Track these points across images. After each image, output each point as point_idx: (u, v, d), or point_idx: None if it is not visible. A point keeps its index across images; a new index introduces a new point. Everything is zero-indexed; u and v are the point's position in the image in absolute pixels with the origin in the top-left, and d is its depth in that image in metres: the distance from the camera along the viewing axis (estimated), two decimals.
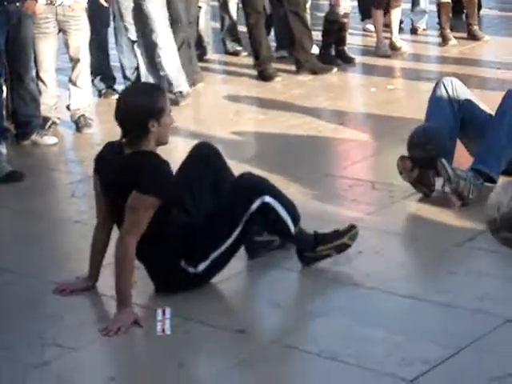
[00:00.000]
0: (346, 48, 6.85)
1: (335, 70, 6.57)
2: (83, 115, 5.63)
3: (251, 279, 3.60)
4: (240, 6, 6.95)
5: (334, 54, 6.81)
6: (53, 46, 5.55)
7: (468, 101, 4.26)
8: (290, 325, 3.19)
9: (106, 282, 3.41)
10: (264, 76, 6.54)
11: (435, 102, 4.28)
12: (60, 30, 5.54)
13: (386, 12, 7.04)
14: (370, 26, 7.61)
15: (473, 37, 7.04)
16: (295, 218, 3.46)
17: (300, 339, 3.04)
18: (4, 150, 4.93)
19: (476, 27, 7.07)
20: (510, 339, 2.94)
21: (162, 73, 6.02)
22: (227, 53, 7.36)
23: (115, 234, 3.37)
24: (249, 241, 3.56)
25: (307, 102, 5.91)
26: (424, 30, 7.49)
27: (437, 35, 7.13)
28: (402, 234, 3.83)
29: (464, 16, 7.33)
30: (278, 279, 3.54)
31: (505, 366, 2.77)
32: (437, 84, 4.32)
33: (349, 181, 4.47)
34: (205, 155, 3.58)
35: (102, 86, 6.37)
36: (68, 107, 5.72)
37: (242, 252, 3.58)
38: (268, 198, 3.37)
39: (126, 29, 6.09)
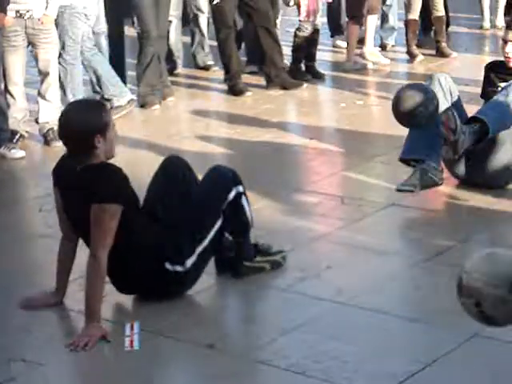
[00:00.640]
0: (315, 64, 6.89)
1: (305, 85, 6.61)
2: (52, 129, 5.59)
3: (221, 293, 3.59)
4: (210, 20, 6.97)
5: (304, 70, 6.85)
6: (21, 59, 5.52)
7: (459, 98, 4.31)
8: (259, 339, 3.18)
9: (74, 297, 3.39)
10: (234, 91, 6.55)
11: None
12: (29, 43, 5.51)
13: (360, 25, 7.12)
14: (340, 42, 7.67)
15: (441, 54, 7.12)
16: (252, 222, 3.52)
17: (269, 354, 3.03)
18: None
19: (444, 44, 7.16)
20: (478, 353, 2.96)
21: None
22: (197, 67, 7.37)
23: (82, 247, 3.35)
24: (219, 254, 3.57)
25: (277, 116, 5.93)
26: (393, 46, 7.57)
27: (405, 52, 7.19)
28: (371, 248, 3.84)
29: (432, 33, 7.41)
30: (248, 293, 3.53)
31: (473, 381, 2.79)
32: (430, 79, 4.30)
33: (318, 195, 4.49)
34: (175, 168, 3.59)
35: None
36: (36, 120, 5.68)
37: (211, 266, 3.57)
38: (241, 188, 3.48)
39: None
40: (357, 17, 6.85)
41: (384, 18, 7.53)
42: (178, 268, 3.36)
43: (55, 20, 5.57)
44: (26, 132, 5.65)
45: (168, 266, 3.35)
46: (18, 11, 5.38)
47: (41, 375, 2.98)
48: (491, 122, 4.12)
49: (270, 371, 2.93)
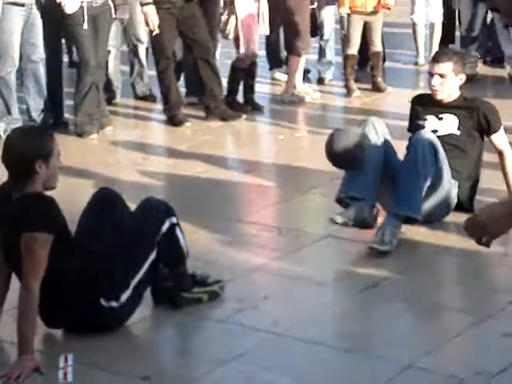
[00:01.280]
0: (254, 96, 6.95)
1: (244, 117, 6.65)
2: None
3: (158, 325, 3.56)
4: (150, 51, 6.98)
5: (242, 102, 6.90)
6: None
7: (391, 145, 4.36)
8: (196, 371, 3.16)
9: (7, 328, 3.32)
10: (173, 121, 6.55)
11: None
12: None
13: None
14: (279, 75, 7.75)
15: (377, 88, 7.24)
16: (187, 252, 3.52)
17: None
18: None
19: (380, 79, 7.29)
20: None
21: None
22: (136, 97, 7.36)
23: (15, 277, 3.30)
24: (155, 285, 3.55)
25: (216, 148, 5.95)
26: (330, 80, 7.67)
27: (342, 86, 7.31)
28: (309, 279, 3.87)
29: (369, 68, 7.55)
30: (184, 325, 3.51)
31: None
32: (364, 122, 4.34)
33: (256, 227, 4.50)
34: (107, 201, 3.57)
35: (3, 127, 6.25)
36: None
37: (147, 298, 3.55)
38: (175, 220, 3.47)
39: None
40: (297, 48, 6.93)
41: (321, 53, 7.64)
42: (113, 303, 3.32)
43: None
44: None
45: (103, 302, 3.32)
46: None
47: None
48: (418, 211, 4.13)
49: None
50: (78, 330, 3.37)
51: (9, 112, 6.23)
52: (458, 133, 4.44)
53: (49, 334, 3.41)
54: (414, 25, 7.94)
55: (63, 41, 6.80)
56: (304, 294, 3.75)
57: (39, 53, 6.27)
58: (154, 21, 6.31)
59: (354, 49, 7.16)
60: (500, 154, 4.46)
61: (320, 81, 7.62)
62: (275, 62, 7.86)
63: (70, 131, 6.46)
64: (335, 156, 4.18)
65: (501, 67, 7.67)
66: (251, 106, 6.85)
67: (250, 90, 6.91)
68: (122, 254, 3.38)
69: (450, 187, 4.33)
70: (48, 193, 3.32)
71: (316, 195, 4.92)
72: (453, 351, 3.20)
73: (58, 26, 6.34)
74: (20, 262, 3.18)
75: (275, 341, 3.30)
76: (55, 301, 3.29)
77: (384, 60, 7.61)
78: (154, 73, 6.82)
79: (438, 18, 7.84)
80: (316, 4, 7.21)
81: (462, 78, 4.46)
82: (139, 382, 3.03)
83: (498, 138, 4.45)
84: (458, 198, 4.40)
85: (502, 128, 4.47)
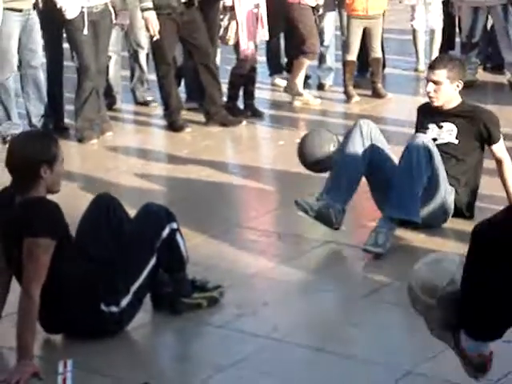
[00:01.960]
0: (254, 102, 6.95)
1: (244, 122, 6.66)
2: None
3: (157, 330, 3.56)
4: (150, 56, 6.99)
5: (242, 107, 6.90)
6: None
7: (379, 146, 4.38)
8: (195, 377, 3.16)
9: (6, 333, 3.32)
10: (174, 127, 6.56)
11: (348, 141, 4.37)
12: None
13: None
14: (279, 81, 7.76)
15: (377, 95, 7.25)
16: (187, 258, 3.52)
17: None
18: None
19: (380, 85, 7.29)
20: None
21: None
22: (137, 103, 7.36)
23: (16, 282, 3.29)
24: (155, 291, 3.55)
25: (216, 153, 5.96)
26: (330, 86, 7.68)
27: (342, 92, 7.31)
28: (308, 285, 3.87)
29: (369, 74, 7.56)
30: (184, 330, 3.51)
31: None
32: (355, 124, 4.42)
33: (256, 232, 4.50)
34: (106, 206, 3.57)
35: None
36: None
37: (146, 304, 3.54)
38: (175, 225, 3.47)
39: None
40: (311, 53, 6.94)
41: (322, 59, 7.65)
42: (113, 309, 3.32)
43: None
44: None
45: (103, 307, 3.32)
46: None
47: None
48: (415, 213, 4.16)
49: None
50: (77, 335, 3.37)
51: (8, 117, 6.24)
52: (456, 142, 4.44)
53: (48, 339, 3.41)
54: (414, 31, 7.95)
55: (66, 45, 6.80)
56: (303, 299, 3.75)
57: (38, 58, 6.27)
58: (155, 26, 6.32)
59: (353, 55, 7.17)
60: (498, 162, 4.46)
61: (320, 87, 7.63)
62: (275, 67, 7.87)
63: (70, 136, 6.46)
64: (301, 157, 4.44)
65: (501, 74, 7.68)
66: (251, 112, 6.86)
67: (250, 96, 6.92)
68: (122, 259, 3.39)
69: (446, 194, 4.33)
70: (48, 197, 3.32)
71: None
72: (453, 357, 3.18)
73: (58, 30, 6.35)
74: (21, 267, 3.18)
75: (275, 347, 3.30)
76: (55, 306, 3.29)
77: (384, 66, 7.62)
78: (154, 78, 6.84)
79: (438, 25, 7.85)
80: (320, 11, 7.20)
81: (459, 84, 4.44)
82: None
83: (499, 147, 4.45)
84: (456, 205, 4.40)
85: (501, 136, 4.47)
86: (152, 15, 6.32)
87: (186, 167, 5.65)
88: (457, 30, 8.08)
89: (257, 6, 6.70)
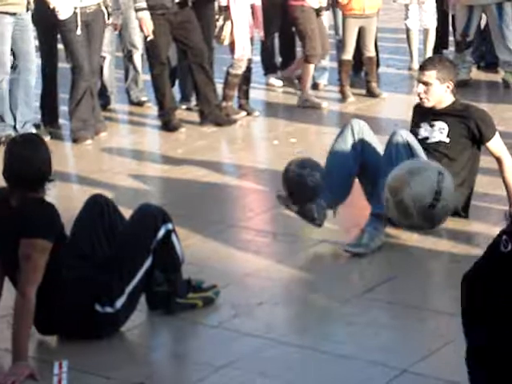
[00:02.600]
0: (248, 101, 6.95)
1: (239, 122, 6.66)
2: None
3: (152, 330, 3.56)
4: (145, 57, 6.99)
5: (237, 107, 6.90)
6: None
7: (371, 145, 4.39)
8: (190, 377, 3.16)
9: (1, 335, 3.32)
10: (168, 127, 6.56)
11: (340, 141, 4.40)
12: None
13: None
14: (273, 81, 7.76)
15: (371, 94, 7.26)
16: (183, 258, 3.52)
17: None
18: None
19: (374, 84, 7.30)
20: None
21: None
22: (131, 103, 7.36)
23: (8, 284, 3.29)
24: (150, 291, 3.54)
25: (210, 153, 5.96)
26: (325, 85, 7.68)
27: (337, 91, 7.32)
28: (303, 284, 3.87)
29: (363, 73, 7.56)
30: (180, 330, 3.51)
31: None
32: (345, 125, 4.45)
33: (251, 232, 4.51)
34: (100, 207, 3.57)
35: None
36: None
37: (142, 304, 3.54)
38: (171, 226, 3.47)
39: None
40: (312, 56, 6.95)
41: None
42: (108, 309, 3.32)
43: None
44: None
45: (98, 307, 3.31)
46: None
47: None
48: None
49: None
50: (72, 336, 3.36)
51: (2, 119, 6.21)
52: (448, 140, 4.44)
53: (43, 340, 3.40)
54: (407, 30, 7.96)
55: (60, 46, 6.79)
56: (299, 299, 3.75)
57: (34, 61, 6.25)
58: (149, 26, 6.32)
59: (349, 54, 7.17)
60: (497, 160, 4.45)
61: (315, 86, 7.63)
62: (270, 67, 7.87)
63: (64, 137, 6.46)
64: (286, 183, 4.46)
65: (495, 72, 7.69)
66: (246, 112, 6.86)
67: (244, 96, 6.92)
68: (117, 260, 3.38)
69: None
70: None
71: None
72: (448, 356, 3.20)
73: (52, 31, 6.34)
74: (16, 268, 3.18)
75: (270, 346, 3.30)
76: (50, 306, 3.28)
77: (378, 65, 7.63)
78: (149, 78, 6.83)
79: (431, 24, 7.86)
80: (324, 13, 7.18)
81: (450, 85, 4.45)
82: None
83: (494, 145, 4.44)
84: None
85: (497, 134, 4.45)
86: (146, 15, 6.32)
87: (180, 167, 5.65)
88: (451, 28, 8.09)
89: (252, 6, 6.70)
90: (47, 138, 6.38)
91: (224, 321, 3.51)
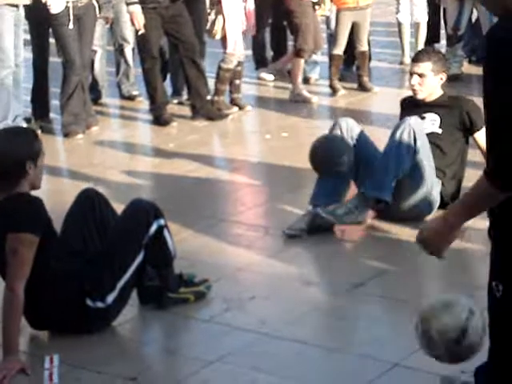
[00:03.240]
0: (240, 95, 6.95)
1: (230, 116, 6.65)
2: None
3: (144, 325, 3.56)
4: (136, 51, 6.97)
5: (228, 101, 6.90)
6: None
7: (361, 138, 4.41)
8: (182, 371, 3.17)
9: None
10: (160, 121, 6.55)
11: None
12: None
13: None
14: (265, 75, 7.76)
15: (363, 88, 7.26)
16: (175, 253, 3.51)
17: None
18: None
19: (366, 78, 7.30)
20: (399, 383, 3.00)
21: None
22: (122, 97, 7.35)
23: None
24: (142, 286, 3.54)
25: (202, 147, 5.95)
26: (316, 80, 7.68)
27: (328, 85, 7.31)
28: (295, 278, 3.87)
29: (355, 67, 7.56)
30: (172, 325, 3.51)
31: None
32: (334, 124, 4.47)
33: (243, 226, 4.51)
34: (91, 201, 3.56)
35: None
36: None
37: (133, 299, 3.54)
38: (163, 221, 3.46)
39: None
40: (303, 50, 6.94)
41: None
42: (99, 304, 3.32)
43: None
44: None
45: (89, 302, 3.31)
46: None
47: None
48: (384, 190, 4.18)
49: None
50: (64, 331, 3.36)
51: (5, 117, 6.15)
52: (440, 131, 4.47)
53: (34, 334, 3.40)
54: (399, 24, 7.96)
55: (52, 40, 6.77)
56: (291, 293, 3.75)
57: (20, 56, 6.22)
58: (140, 20, 6.31)
59: (340, 49, 7.17)
60: (484, 151, 4.46)
61: (306, 80, 7.63)
62: (261, 61, 7.87)
63: (55, 131, 6.44)
64: (319, 157, 4.33)
65: None
66: (237, 106, 6.86)
67: (236, 90, 6.92)
68: (108, 255, 3.38)
69: (432, 185, 4.35)
70: (34, 193, 3.31)
71: (303, 195, 4.92)
72: None
73: (44, 25, 6.32)
74: (5, 263, 3.17)
75: (262, 340, 3.30)
76: (41, 301, 3.28)
77: (370, 59, 7.63)
78: (140, 72, 6.82)
79: (423, 18, 7.86)
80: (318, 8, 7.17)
81: (443, 77, 4.48)
82: (126, 383, 3.03)
83: (483, 136, 4.45)
84: (442, 197, 4.42)
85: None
86: (137, 9, 6.30)
87: (172, 161, 5.64)
88: (442, 22, 8.09)
89: (244, 0, 6.69)
90: (37, 132, 6.38)
91: (216, 315, 3.51)
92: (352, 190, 4.46)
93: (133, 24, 6.44)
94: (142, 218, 3.42)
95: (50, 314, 3.33)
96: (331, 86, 7.21)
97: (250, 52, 7.79)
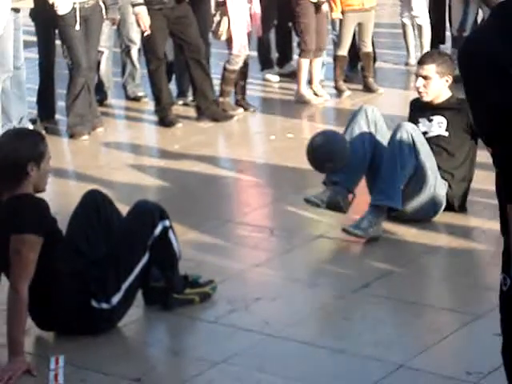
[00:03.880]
0: (245, 97, 6.95)
1: (235, 117, 6.65)
2: None
3: (149, 326, 3.56)
4: (142, 52, 6.98)
5: (234, 102, 6.90)
6: None
7: (382, 131, 4.44)
8: (187, 372, 3.17)
9: None
10: (165, 122, 6.55)
11: (355, 123, 4.43)
12: None
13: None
14: (270, 76, 7.76)
15: (368, 89, 7.25)
16: (180, 254, 3.51)
17: None
18: None
19: (371, 79, 7.30)
20: None
21: None
22: (128, 98, 7.35)
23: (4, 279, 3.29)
24: (147, 287, 3.55)
25: (207, 148, 5.95)
26: (322, 80, 7.68)
27: (333, 86, 7.30)
28: (300, 280, 3.87)
29: (360, 68, 7.55)
30: (176, 326, 3.51)
31: None
32: (359, 108, 4.49)
33: (248, 227, 4.51)
34: (96, 203, 3.57)
35: None
36: None
37: (138, 299, 3.54)
38: (168, 223, 3.47)
39: None
40: (309, 51, 6.94)
41: None
42: (104, 305, 3.32)
43: None
44: None
45: (94, 303, 3.31)
46: None
47: None
48: (394, 198, 4.19)
49: None
50: (69, 332, 3.37)
51: (9, 119, 6.17)
52: (447, 134, 4.46)
53: (39, 335, 3.40)
54: (403, 25, 7.95)
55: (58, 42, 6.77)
56: (295, 294, 3.75)
57: (21, 58, 6.23)
58: (146, 21, 6.31)
59: (344, 50, 7.17)
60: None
61: (311, 81, 7.63)
62: (266, 63, 7.86)
63: (61, 132, 6.45)
64: (315, 157, 4.35)
65: None
66: (243, 107, 6.86)
67: (241, 91, 6.92)
68: (113, 257, 3.38)
69: (437, 186, 4.34)
70: (40, 194, 3.31)
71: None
72: (444, 351, 3.21)
73: (51, 27, 6.33)
74: (9, 264, 3.18)
75: (267, 341, 3.30)
76: (46, 302, 3.29)
77: (374, 60, 7.62)
78: (146, 73, 6.82)
79: (424, 20, 7.79)
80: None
81: (448, 79, 4.46)
82: (131, 383, 3.03)
83: None
84: (448, 199, 4.41)
85: None
86: (143, 10, 6.31)
87: (177, 162, 5.65)
88: (447, 24, 8.08)
89: (250, 1, 6.69)
90: (44, 135, 6.38)
91: (221, 316, 3.51)
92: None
93: (138, 25, 6.45)
94: (147, 219, 3.43)
95: (56, 315, 3.34)
96: (336, 88, 7.21)
97: (255, 53, 7.79)
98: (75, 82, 6.25)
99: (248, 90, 7.02)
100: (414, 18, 7.79)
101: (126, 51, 7.25)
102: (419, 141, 4.25)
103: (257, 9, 6.76)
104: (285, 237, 4.34)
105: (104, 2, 6.31)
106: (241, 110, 6.82)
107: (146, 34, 6.38)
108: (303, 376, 3.05)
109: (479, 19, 7.75)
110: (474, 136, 4.47)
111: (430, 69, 4.43)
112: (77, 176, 5.50)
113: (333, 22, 7.60)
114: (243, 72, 6.84)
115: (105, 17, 6.38)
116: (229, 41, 6.69)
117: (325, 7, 6.92)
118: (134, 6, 6.37)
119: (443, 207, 4.40)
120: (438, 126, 4.48)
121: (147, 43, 6.50)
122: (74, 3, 6.09)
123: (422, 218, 4.36)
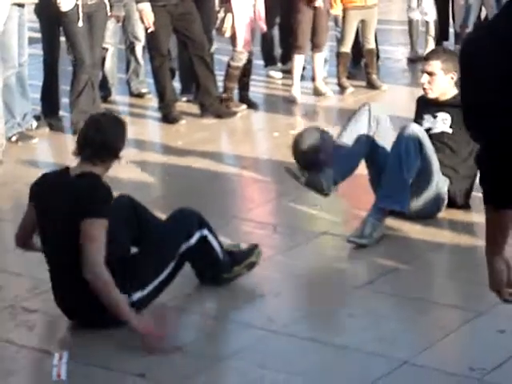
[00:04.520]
0: (249, 93, 6.95)
1: (239, 114, 6.65)
2: None
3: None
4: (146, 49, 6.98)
5: (237, 99, 6.90)
6: None
7: (384, 131, 4.43)
8: (191, 368, 3.17)
9: (3, 326, 3.32)
10: (168, 119, 6.56)
11: (356, 119, 4.43)
12: None
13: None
14: (273, 73, 7.76)
15: (371, 85, 7.25)
16: (224, 258, 3.62)
17: (201, 383, 3.02)
18: None
19: (375, 76, 7.29)
20: (407, 381, 3.00)
21: None
22: (131, 95, 7.35)
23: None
24: (198, 268, 3.65)
25: (211, 145, 5.96)
26: (325, 77, 7.67)
27: (336, 83, 7.30)
28: (304, 276, 3.87)
29: (363, 65, 7.55)
30: (180, 322, 3.52)
31: None
32: (364, 105, 4.48)
33: (251, 223, 4.51)
34: (132, 207, 3.61)
35: None
36: None
37: None
38: (206, 232, 3.53)
39: None
40: (300, 47, 6.93)
41: None
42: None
43: None
44: None
45: None
46: None
47: None
48: (403, 202, 4.18)
49: None
50: (91, 324, 3.35)
51: (12, 115, 6.17)
52: (451, 131, 4.46)
53: (43, 331, 3.41)
54: (410, 21, 7.94)
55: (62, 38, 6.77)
56: (299, 290, 3.76)
57: (24, 55, 6.23)
58: (149, 18, 6.31)
59: (347, 47, 7.16)
60: None
61: (314, 78, 7.62)
62: (270, 59, 7.86)
63: (65, 129, 6.45)
64: (299, 157, 4.34)
65: None
66: (246, 104, 6.86)
67: (245, 88, 6.91)
68: (143, 257, 3.43)
69: (439, 184, 4.35)
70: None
71: (311, 192, 4.92)
72: (448, 347, 3.21)
73: (55, 23, 6.32)
74: (67, 245, 3.17)
75: (270, 338, 3.30)
76: (73, 291, 3.28)
77: (378, 57, 7.61)
78: (150, 70, 6.83)
79: (431, 16, 7.82)
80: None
81: (453, 76, 4.46)
82: (134, 379, 3.04)
83: None
84: (450, 195, 4.41)
85: None
86: (147, 7, 6.31)
87: (180, 159, 5.65)
88: (451, 20, 8.07)
89: (254, 8, 6.68)
90: (46, 130, 6.40)
91: (225, 312, 3.52)
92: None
93: (142, 22, 6.45)
94: (184, 227, 3.48)
95: (80, 304, 3.33)
96: (339, 84, 7.21)
97: (258, 49, 7.79)
98: (79, 79, 6.25)
99: (251, 86, 7.01)
100: (422, 14, 7.79)
101: (131, 48, 7.25)
102: (425, 142, 4.24)
103: (260, 5, 6.76)
104: (288, 233, 4.34)
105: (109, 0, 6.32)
106: (244, 106, 6.82)
107: (149, 31, 6.38)
108: (306, 372, 3.06)
109: (482, 16, 7.75)
110: None
111: (435, 65, 4.44)
112: None
113: (336, 18, 7.60)
114: (247, 68, 6.84)
115: (109, 14, 6.38)
116: (233, 37, 6.69)
117: (318, 3, 6.85)
118: (137, 2, 6.37)
119: (445, 203, 4.41)
120: (443, 122, 4.48)
121: (151, 40, 6.50)
122: (77, 0, 6.09)
123: (426, 215, 4.36)
